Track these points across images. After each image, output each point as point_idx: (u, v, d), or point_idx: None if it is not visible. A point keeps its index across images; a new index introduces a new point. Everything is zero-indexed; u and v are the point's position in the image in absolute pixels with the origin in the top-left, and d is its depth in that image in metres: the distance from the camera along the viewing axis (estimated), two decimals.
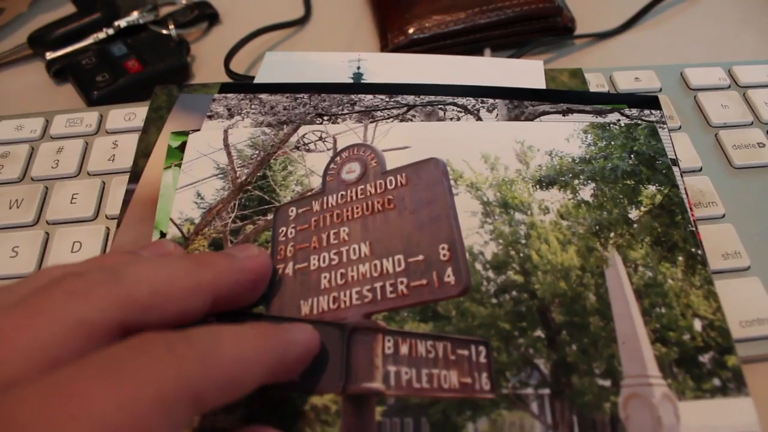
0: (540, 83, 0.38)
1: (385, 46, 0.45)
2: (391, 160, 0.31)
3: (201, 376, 0.18)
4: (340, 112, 0.35)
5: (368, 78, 0.39)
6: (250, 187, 0.31)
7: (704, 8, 0.49)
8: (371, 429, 0.24)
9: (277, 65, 0.41)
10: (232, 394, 0.20)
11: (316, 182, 0.31)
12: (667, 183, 0.31)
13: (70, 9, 0.46)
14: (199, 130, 0.34)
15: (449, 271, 0.27)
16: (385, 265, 0.27)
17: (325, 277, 0.27)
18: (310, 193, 0.30)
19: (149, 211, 0.31)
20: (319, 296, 0.27)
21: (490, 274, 0.27)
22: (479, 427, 0.24)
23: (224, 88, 0.37)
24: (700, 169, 0.35)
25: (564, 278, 0.27)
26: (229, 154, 0.32)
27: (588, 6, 0.48)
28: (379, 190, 0.30)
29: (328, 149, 0.32)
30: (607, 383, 0.25)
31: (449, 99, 0.35)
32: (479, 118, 0.34)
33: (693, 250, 0.28)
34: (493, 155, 0.31)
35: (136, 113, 0.38)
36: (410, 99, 0.35)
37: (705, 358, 0.25)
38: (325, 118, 0.34)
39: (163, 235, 0.29)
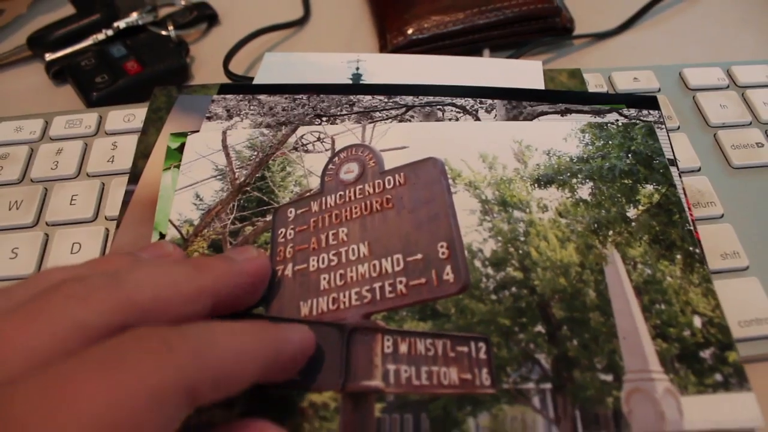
0: (539, 84, 0.38)
1: (384, 46, 0.45)
2: (390, 160, 0.31)
3: (195, 370, 0.19)
4: (338, 113, 0.35)
5: (367, 79, 0.39)
6: (248, 188, 0.31)
7: (703, 8, 0.49)
8: (370, 425, 0.24)
9: (276, 66, 0.41)
10: (226, 389, 0.20)
11: (314, 183, 0.31)
12: (665, 182, 0.31)
13: (69, 10, 0.46)
14: (198, 131, 0.34)
15: (448, 269, 0.27)
16: (383, 264, 0.27)
17: (324, 278, 0.27)
18: (308, 194, 0.30)
19: (148, 213, 0.31)
20: (319, 297, 0.27)
21: (489, 270, 0.27)
22: (480, 422, 0.24)
23: (223, 89, 0.37)
24: (699, 169, 0.35)
25: (564, 274, 0.27)
26: (227, 155, 0.32)
27: (587, 6, 0.48)
28: (377, 190, 0.30)
29: (326, 150, 0.32)
30: (609, 378, 0.25)
31: (448, 99, 0.35)
32: (478, 119, 0.34)
33: (691, 248, 0.28)
34: (491, 154, 0.31)
35: (136, 114, 0.38)
36: (409, 100, 0.35)
37: (706, 353, 0.25)
38: (324, 118, 0.34)
39: (162, 236, 0.29)
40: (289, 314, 0.26)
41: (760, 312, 0.29)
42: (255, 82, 0.39)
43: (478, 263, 0.28)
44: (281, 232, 0.29)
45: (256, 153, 0.32)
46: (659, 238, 0.29)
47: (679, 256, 0.28)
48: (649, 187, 0.30)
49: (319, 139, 0.33)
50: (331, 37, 0.48)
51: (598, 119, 0.34)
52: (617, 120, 0.34)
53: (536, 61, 0.40)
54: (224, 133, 0.33)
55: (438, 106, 0.35)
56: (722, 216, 0.33)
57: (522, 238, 0.28)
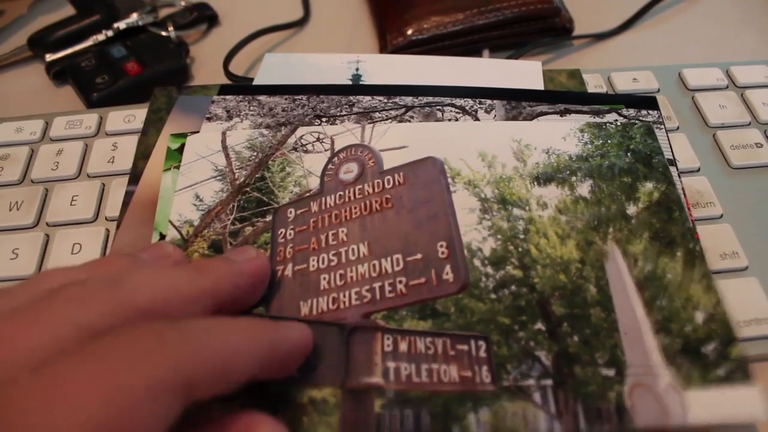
0: (538, 84, 0.38)
1: (384, 47, 0.45)
2: (389, 160, 0.31)
3: (190, 364, 0.19)
4: (338, 114, 0.35)
5: (367, 79, 0.39)
6: (248, 189, 0.31)
7: (703, 8, 0.49)
8: (370, 421, 0.24)
9: (276, 67, 0.41)
10: (223, 384, 0.20)
11: (314, 183, 0.31)
12: (664, 180, 0.31)
13: (69, 11, 0.46)
14: (198, 131, 0.34)
15: (447, 268, 0.27)
16: (383, 264, 0.27)
17: (324, 278, 0.27)
18: (308, 194, 0.30)
19: (149, 213, 0.31)
20: (319, 297, 0.27)
21: (489, 269, 0.27)
22: (481, 418, 0.24)
23: (223, 90, 0.37)
24: (698, 170, 0.35)
25: (564, 271, 0.27)
26: (227, 155, 0.32)
27: (586, 6, 0.48)
28: (376, 190, 0.30)
29: (325, 150, 0.32)
30: (610, 373, 0.25)
31: (447, 100, 0.35)
32: (477, 119, 0.34)
33: (691, 245, 0.28)
34: (491, 154, 0.32)
35: (136, 115, 0.39)
36: (408, 100, 0.36)
37: (708, 348, 0.25)
38: (324, 119, 0.35)
39: (162, 236, 0.30)
40: (289, 314, 0.26)
41: (759, 312, 0.29)
42: (255, 82, 0.40)
43: (477, 262, 0.28)
44: (281, 233, 0.29)
45: (255, 153, 0.32)
46: (659, 235, 0.29)
47: (679, 253, 0.28)
48: (649, 185, 0.30)
49: (318, 139, 0.33)
50: (331, 37, 0.48)
51: (597, 119, 0.34)
52: (616, 120, 0.34)
53: (536, 62, 0.40)
54: (224, 133, 0.34)
55: (437, 107, 0.35)
56: (721, 216, 0.33)
57: (521, 236, 0.28)
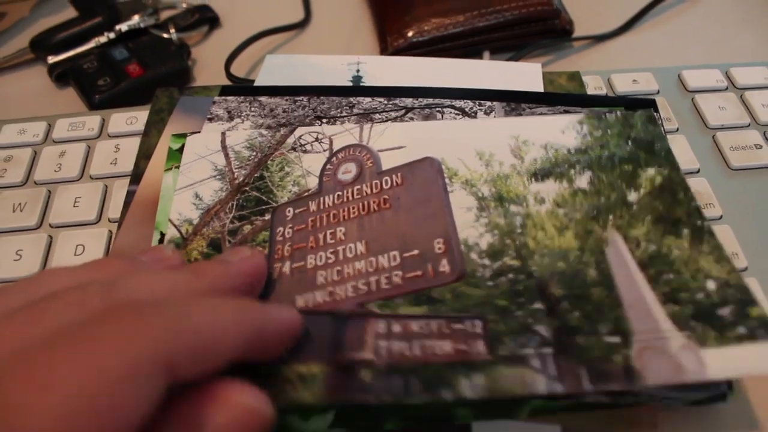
0: (538, 86, 0.39)
1: (385, 49, 0.45)
2: (387, 160, 0.31)
3: (170, 341, 0.18)
4: (339, 115, 0.35)
5: (367, 81, 0.39)
6: (247, 188, 0.31)
7: (703, 10, 0.49)
8: (358, 390, 0.23)
9: (277, 68, 0.41)
10: (206, 363, 0.20)
11: (312, 183, 0.31)
12: (667, 164, 0.30)
13: (71, 13, 0.46)
14: (199, 132, 0.34)
15: (444, 261, 0.27)
16: (380, 261, 0.27)
17: (321, 275, 0.27)
18: (306, 194, 0.31)
19: (150, 213, 0.31)
20: (315, 291, 0.27)
21: (486, 261, 0.27)
22: (475, 381, 0.23)
23: (225, 91, 0.37)
24: (698, 171, 0.35)
25: (562, 259, 0.27)
26: (226, 155, 0.33)
27: (586, 8, 0.48)
28: (375, 190, 0.30)
29: (324, 150, 0.32)
30: (615, 340, 0.24)
31: (447, 102, 0.36)
32: None
33: (699, 222, 0.27)
34: (488, 152, 0.32)
35: (138, 117, 0.39)
36: (408, 102, 0.36)
37: (725, 311, 0.24)
38: (324, 120, 0.35)
39: (162, 236, 0.30)
40: None
41: None
42: (256, 83, 0.40)
43: (474, 255, 0.27)
44: (279, 231, 0.29)
45: (254, 153, 0.33)
46: (663, 217, 0.28)
47: (686, 231, 0.27)
48: (651, 171, 0.30)
49: (317, 139, 0.33)
50: (332, 39, 0.48)
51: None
52: (615, 110, 0.34)
53: (535, 64, 0.40)
54: (223, 134, 0.34)
55: (437, 108, 0.35)
56: (721, 217, 0.33)
57: (519, 230, 0.28)
